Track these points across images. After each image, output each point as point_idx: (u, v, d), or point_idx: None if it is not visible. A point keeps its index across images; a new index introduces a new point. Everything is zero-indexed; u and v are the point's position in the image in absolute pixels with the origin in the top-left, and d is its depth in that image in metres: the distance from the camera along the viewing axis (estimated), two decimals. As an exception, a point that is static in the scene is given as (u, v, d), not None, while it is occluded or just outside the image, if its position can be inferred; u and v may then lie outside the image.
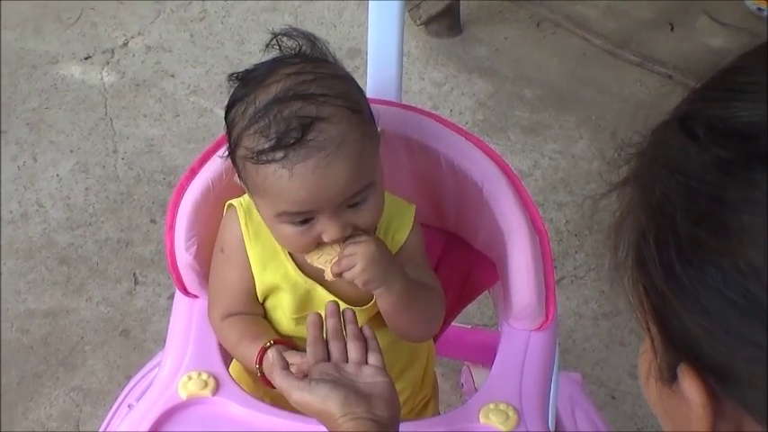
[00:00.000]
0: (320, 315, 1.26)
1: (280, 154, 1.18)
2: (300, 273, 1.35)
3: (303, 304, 1.37)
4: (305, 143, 1.18)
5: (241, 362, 1.42)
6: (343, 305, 1.31)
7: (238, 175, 1.28)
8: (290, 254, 1.35)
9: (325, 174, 1.19)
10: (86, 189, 2.56)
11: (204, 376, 1.38)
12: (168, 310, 2.26)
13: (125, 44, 2.96)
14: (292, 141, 1.17)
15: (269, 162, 1.19)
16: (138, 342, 2.25)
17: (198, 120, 2.74)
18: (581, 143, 2.71)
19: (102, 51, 2.93)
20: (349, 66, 1.33)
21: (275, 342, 1.32)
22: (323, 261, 1.28)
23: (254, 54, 2.90)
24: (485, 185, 1.44)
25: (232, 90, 1.26)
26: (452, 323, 1.65)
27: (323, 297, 1.35)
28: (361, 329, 1.26)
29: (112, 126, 2.72)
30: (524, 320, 1.46)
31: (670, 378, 0.69)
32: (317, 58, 1.27)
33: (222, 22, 3.03)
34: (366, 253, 1.25)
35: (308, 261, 1.29)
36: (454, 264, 1.58)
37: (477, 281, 1.58)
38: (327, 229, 1.24)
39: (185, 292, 1.49)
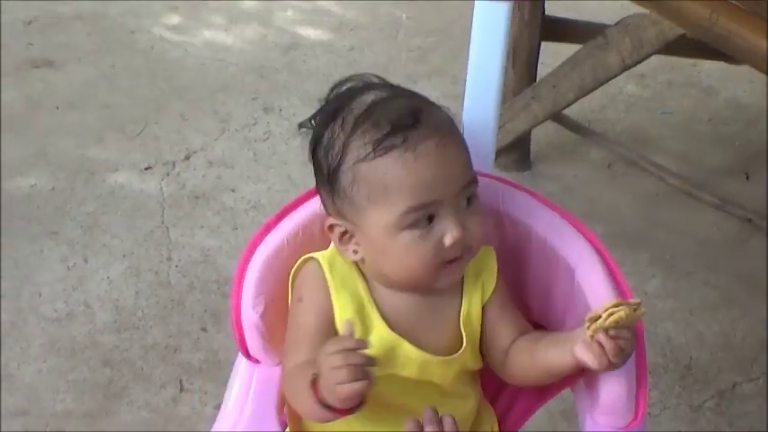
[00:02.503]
0: (418, 422, 1.15)
1: (399, 138, 1.15)
2: (388, 327, 1.26)
3: (387, 359, 1.25)
4: (421, 125, 1.16)
5: (305, 407, 1.26)
6: (432, 357, 1.26)
7: (334, 209, 1.22)
8: (377, 306, 1.26)
9: (446, 152, 1.17)
10: (136, 293, 2.45)
11: None
12: (213, 418, 2.13)
13: (187, 158, 2.90)
14: (408, 124, 1.15)
15: (389, 149, 1.15)
16: (179, 450, 2.10)
17: (256, 234, 2.64)
18: (654, 281, 2.59)
19: (162, 163, 2.88)
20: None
21: None
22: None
23: (317, 175, 2.83)
24: (578, 268, 1.34)
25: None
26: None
27: (408, 352, 1.26)
28: None
29: (168, 234, 2.63)
30: (612, 416, 1.31)
31: None
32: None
33: (286, 143, 2.98)
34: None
35: None
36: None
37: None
38: (449, 227, 1.18)
39: (247, 355, 1.37)
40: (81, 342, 2.32)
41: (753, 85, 3.30)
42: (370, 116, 1.17)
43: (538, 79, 2.78)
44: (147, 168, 2.86)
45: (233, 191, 2.79)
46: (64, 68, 3.26)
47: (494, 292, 1.31)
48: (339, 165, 1.19)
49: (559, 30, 2.83)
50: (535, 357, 1.27)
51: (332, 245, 1.28)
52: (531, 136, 2.87)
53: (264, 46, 3.42)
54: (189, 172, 2.85)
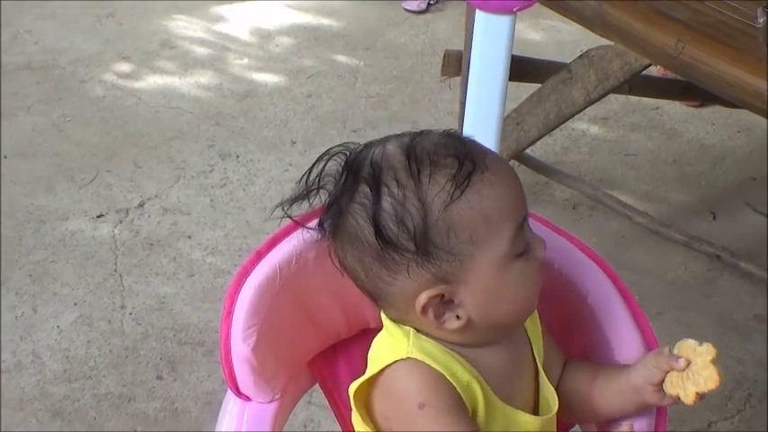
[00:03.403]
0: None
1: (470, 165, 1.07)
2: (498, 399, 1.15)
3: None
4: (468, 143, 1.11)
5: None
6: (543, 419, 1.19)
7: (427, 280, 1.09)
8: (486, 380, 1.14)
9: (503, 162, 1.13)
10: (88, 342, 2.35)
11: None
12: (171, 470, 2.03)
13: (141, 205, 2.81)
14: (464, 150, 1.08)
15: (469, 178, 1.06)
16: (134, 503, 1.99)
17: (214, 280, 2.55)
18: (625, 322, 2.52)
19: (115, 211, 2.78)
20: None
21: None
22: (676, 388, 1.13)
23: (276, 221, 2.75)
24: (590, 295, 1.27)
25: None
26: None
27: (525, 423, 1.17)
28: None
29: (122, 282, 2.53)
30: None
31: None
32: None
33: (244, 190, 2.90)
34: None
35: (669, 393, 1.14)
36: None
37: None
38: (535, 242, 1.12)
39: (237, 391, 1.26)
40: (29, 393, 2.21)
41: (715, 126, 3.28)
42: (420, 161, 1.07)
43: (500, 118, 2.73)
44: (99, 216, 2.76)
45: (189, 237, 2.70)
46: (13, 118, 3.17)
47: (541, 321, 1.25)
48: (426, 222, 1.06)
49: (521, 69, 2.78)
50: (592, 391, 1.22)
51: (399, 337, 1.15)
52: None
53: (220, 93, 3.35)
54: (143, 219, 2.76)
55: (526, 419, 1.16)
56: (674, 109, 3.33)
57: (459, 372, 1.12)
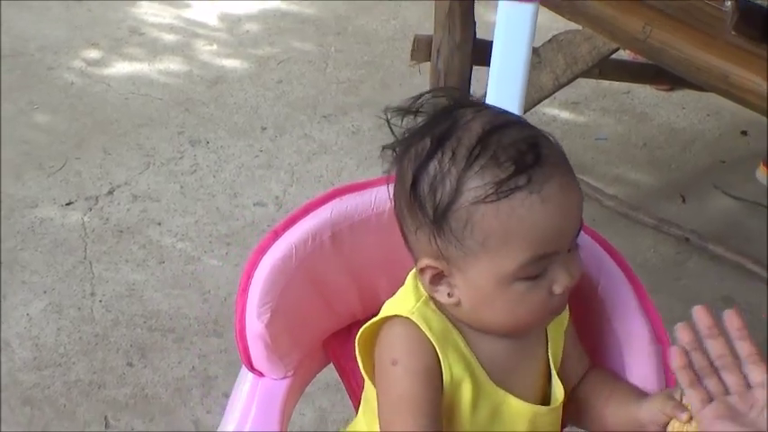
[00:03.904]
0: None
1: (523, 178, 1.03)
2: (493, 383, 1.15)
3: (495, 420, 1.16)
4: (543, 161, 1.04)
5: None
6: (539, 408, 1.18)
7: (431, 250, 1.09)
8: (478, 359, 1.15)
9: (569, 193, 1.07)
10: (58, 329, 2.34)
11: None
12: (141, 456, 2.02)
13: (110, 192, 2.80)
14: (531, 161, 1.03)
15: (513, 191, 1.03)
16: (105, 490, 1.99)
17: (184, 267, 2.54)
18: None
19: (84, 198, 2.77)
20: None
21: None
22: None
23: (246, 207, 2.76)
24: (601, 283, 1.27)
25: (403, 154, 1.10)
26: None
27: (515, 408, 1.17)
28: None
29: (91, 269, 2.52)
30: None
31: None
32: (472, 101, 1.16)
33: (214, 176, 2.89)
34: None
35: None
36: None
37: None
38: (560, 275, 1.09)
39: (251, 367, 1.29)
40: (-1, 381, 2.20)
41: (685, 110, 3.30)
42: (485, 150, 1.04)
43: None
44: (68, 204, 2.74)
45: (159, 224, 2.69)
46: (-20, 106, 3.15)
47: (569, 322, 1.23)
48: (451, 203, 1.05)
49: (491, 53, 2.78)
50: (606, 408, 1.22)
51: (410, 298, 1.16)
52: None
53: (189, 79, 3.34)
54: (112, 206, 2.75)
55: (517, 404, 1.16)
56: (644, 93, 3.35)
57: (450, 349, 1.13)
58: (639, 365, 1.23)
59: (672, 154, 3.10)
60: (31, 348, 2.28)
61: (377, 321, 1.17)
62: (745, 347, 1.05)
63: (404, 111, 1.12)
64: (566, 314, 1.22)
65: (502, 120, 1.08)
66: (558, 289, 1.09)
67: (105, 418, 2.13)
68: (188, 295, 2.46)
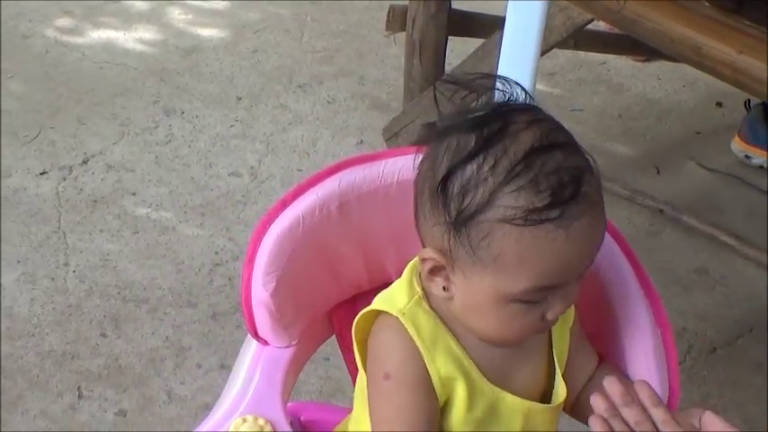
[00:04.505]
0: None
1: (556, 212, 1.02)
2: (488, 381, 1.15)
3: (491, 418, 1.17)
4: (580, 197, 1.03)
5: None
6: (536, 405, 1.19)
7: (440, 245, 1.08)
8: (473, 359, 1.15)
9: (594, 232, 1.06)
10: (32, 300, 2.33)
11: (261, 422, 1.24)
12: (113, 425, 2.03)
13: (84, 162, 2.78)
14: (569, 196, 1.02)
15: (542, 222, 1.02)
16: (78, 460, 1.99)
17: (159, 237, 2.54)
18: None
19: (59, 168, 2.75)
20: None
21: None
22: None
23: (221, 177, 2.75)
24: (602, 266, 1.26)
25: (448, 141, 1.07)
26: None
27: (512, 405, 1.17)
28: None
29: (65, 239, 2.51)
30: None
31: None
32: (527, 103, 1.12)
33: (189, 146, 2.88)
34: None
35: None
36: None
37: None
38: (555, 305, 1.09)
39: (255, 335, 1.31)
40: (-29, 352, 2.20)
41: (661, 81, 3.30)
42: (528, 169, 1.02)
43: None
44: (42, 173, 2.73)
45: (134, 194, 2.68)
46: (-47, 74, 3.13)
47: (574, 320, 1.23)
48: (477, 213, 1.04)
49: (466, 24, 2.78)
50: None
51: (404, 294, 1.16)
52: (441, 132, 2.81)
53: (165, 49, 3.32)
54: (87, 176, 2.74)
55: (512, 400, 1.16)
56: (620, 64, 3.35)
57: (440, 351, 1.13)
58: (639, 349, 1.24)
59: (647, 125, 3.11)
60: (3, 319, 2.28)
61: (370, 312, 1.17)
62: (659, 413, 1.07)
63: (457, 85, 1.10)
64: (571, 312, 1.22)
65: (552, 139, 1.05)
66: (551, 316, 1.10)
67: (78, 388, 2.14)
68: (162, 265, 2.45)
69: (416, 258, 1.17)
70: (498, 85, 1.12)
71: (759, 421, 2.19)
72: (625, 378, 1.25)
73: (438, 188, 1.06)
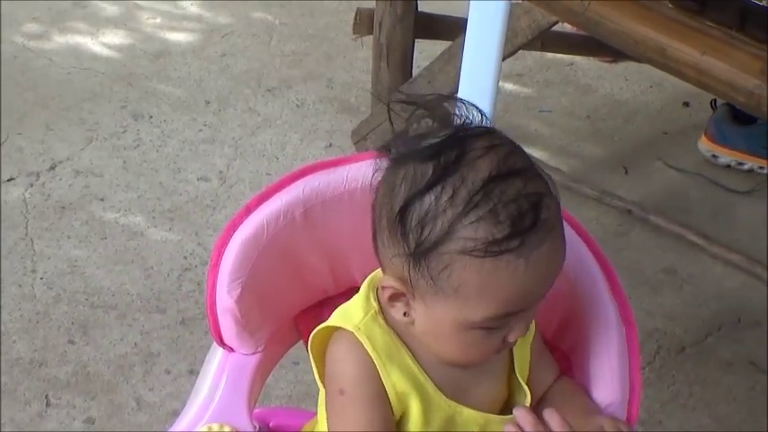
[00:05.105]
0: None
1: (515, 242, 1.01)
2: (444, 396, 1.15)
3: (444, 428, 1.17)
4: (539, 225, 1.02)
5: None
6: (494, 416, 1.18)
7: (400, 274, 1.08)
8: (428, 375, 1.15)
9: (555, 257, 1.06)
10: (-1, 307, 2.32)
11: (227, 429, 1.23)
12: (82, 434, 2.02)
13: (52, 168, 2.77)
14: (528, 225, 1.01)
15: (502, 253, 1.01)
16: (46, 468, 1.98)
17: (127, 242, 2.53)
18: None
19: (26, 174, 2.74)
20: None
21: None
22: None
23: (190, 181, 2.74)
24: (570, 264, 1.25)
25: (398, 169, 1.07)
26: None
27: (469, 417, 1.17)
28: None
29: (33, 246, 2.50)
30: None
31: None
32: (484, 126, 1.11)
33: (158, 151, 2.87)
34: None
35: None
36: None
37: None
38: (516, 327, 1.09)
39: (221, 342, 1.31)
40: (-62, 360, 2.18)
41: (628, 81, 3.32)
42: (487, 199, 1.01)
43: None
44: (9, 180, 2.72)
45: (102, 200, 2.67)
46: None
47: (534, 334, 1.24)
48: (436, 245, 1.03)
49: (433, 26, 2.79)
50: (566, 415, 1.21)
51: (360, 310, 1.17)
52: (409, 135, 2.81)
53: (133, 53, 3.31)
54: (54, 182, 2.72)
55: (469, 413, 1.17)
56: (588, 65, 3.36)
57: (395, 366, 1.13)
58: (603, 345, 1.25)
59: (615, 126, 3.13)
60: (-30, 327, 2.26)
61: (326, 328, 1.18)
62: None
63: (411, 104, 1.10)
64: (531, 328, 1.22)
65: (510, 165, 1.04)
66: (512, 338, 1.11)
67: (46, 396, 2.12)
68: (130, 271, 2.45)
69: (374, 273, 1.18)
70: (454, 107, 1.11)
71: (729, 420, 2.20)
72: (583, 391, 1.25)
73: (396, 218, 1.06)
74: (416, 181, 1.05)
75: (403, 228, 1.05)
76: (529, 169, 1.06)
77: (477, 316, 1.06)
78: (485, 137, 1.07)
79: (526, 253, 1.02)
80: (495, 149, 1.05)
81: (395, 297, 1.12)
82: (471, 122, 1.10)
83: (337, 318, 1.18)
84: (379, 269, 1.16)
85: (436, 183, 1.03)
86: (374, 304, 1.16)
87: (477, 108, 1.11)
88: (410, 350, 1.15)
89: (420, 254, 1.05)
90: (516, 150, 1.08)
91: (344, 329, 1.15)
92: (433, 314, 1.09)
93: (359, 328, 1.14)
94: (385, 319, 1.15)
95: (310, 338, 1.20)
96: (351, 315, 1.16)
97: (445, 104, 1.12)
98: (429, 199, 1.03)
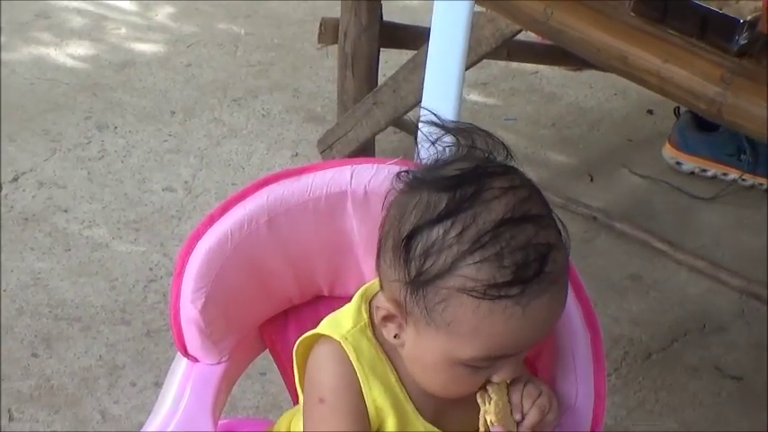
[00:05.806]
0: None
1: (516, 289, 1.01)
2: (422, 418, 1.16)
3: None
4: (543, 276, 1.02)
5: None
6: None
7: (396, 299, 1.09)
8: (409, 395, 1.15)
9: (554, 310, 1.06)
10: (-39, 321, 2.29)
11: None
12: (47, 448, 2.00)
13: (15, 179, 2.75)
14: (531, 275, 1.01)
15: (500, 298, 1.01)
16: (9, 483, 1.96)
17: (91, 254, 2.51)
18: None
19: (-12, 186, 2.72)
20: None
21: None
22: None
23: (155, 192, 2.73)
24: None
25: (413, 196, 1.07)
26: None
27: None
28: None
29: (-5, 260, 2.48)
30: (567, 428, 1.26)
31: None
32: (507, 164, 1.11)
33: (123, 162, 2.85)
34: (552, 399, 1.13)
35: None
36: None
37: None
38: (503, 370, 1.09)
39: (185, 352, 1.30)
40: None
41: (593, 90, 3.33)
42: (494, 242, 1.01)
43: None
44: (-29, 192, 2.69)
45: (65, 211, 2.65)
46: None
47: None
48: (437, 278, 1.03)
49: (399, 35, 2.79)
50: None
51: (349, 320, 1.17)
52: (375, 144, 2.82)
53: (97, 64, 3.29)
54: (17, 194, 2.70)
55: None
56: (552, 73, 3.38)
57: (377, 380, 1.13)
58: (567, 350, 1.26)
59: (580, 133, 3.14)
60: (-68, 341, 2.24)
61: (313, 335, 1.17)
62: None
63: (440, 128, 1.11)
64: (518, 370, 1.21)
65: (525, 210, 1.04)
66: (496, 379, 1.11)
67: (9, 411, 2.10)
68: (95, 283, 2.43)
69: (368, 285, 1.18)
70: (480, 142, 1.11)
71: (695, 425, 2.21)
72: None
73: (402, 243, 1.06)
74: (428, 210, 1.05)
75: (407, 254, 1.06)
76: (543, 217, 1.06)
77: (466, 354, 1.06)
78: (505, 177, 1.07)
79: (524, 302, 1.03)
80: (512, 191, 1.05)
81: (388, 318, 1.12)
82: (495, 158, 1.10)
83: (325, 326, 1.18)
84: (374, 281, 1.17)
85: (447, 216, 1.04)
86: (365, 316, 1.16)
87: (503, 144, 1.11)
88: (395, 368, 1.15)
89: (419, 283, 1.05)
90: (534, 194, 1.08)
91: (331, 338, 1.15)
92: (423, 343, 1.09)
93: (346, 338, 1.14)
94: (374, 333, 1.15)
95: (296, 345, 1.20)
96: (340, 324, 1.16)
97: (474, 135, 1.12)
98: (437, 231, 1.04)
